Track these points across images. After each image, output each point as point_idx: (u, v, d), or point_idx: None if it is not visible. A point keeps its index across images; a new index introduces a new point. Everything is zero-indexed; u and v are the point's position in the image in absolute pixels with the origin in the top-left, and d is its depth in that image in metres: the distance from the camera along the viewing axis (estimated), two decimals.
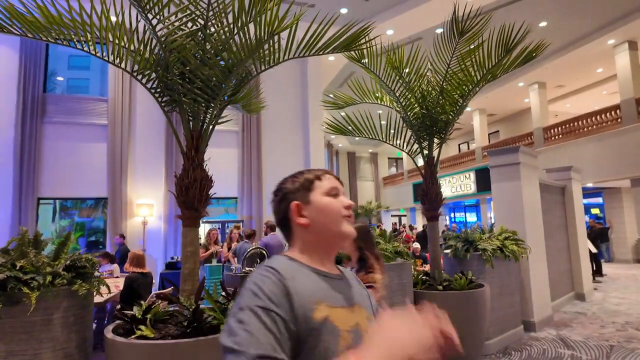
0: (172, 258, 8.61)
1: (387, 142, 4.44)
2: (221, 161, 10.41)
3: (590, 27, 11.06)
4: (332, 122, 4.34)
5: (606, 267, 12.23)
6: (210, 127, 2.90)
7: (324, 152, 11.31)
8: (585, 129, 12.76)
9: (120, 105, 9.51)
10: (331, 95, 4.51)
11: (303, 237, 0.92)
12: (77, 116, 9.58)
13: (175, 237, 9.55)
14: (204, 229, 8.91)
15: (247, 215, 10.11)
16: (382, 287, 2.29)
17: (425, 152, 4.25)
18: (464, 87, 3.88)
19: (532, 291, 5.22)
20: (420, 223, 23.31)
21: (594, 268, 10.41)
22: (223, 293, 2.66)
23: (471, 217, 20.78)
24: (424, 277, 4.01)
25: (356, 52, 3.82)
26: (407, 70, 3.93)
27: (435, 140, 4.28)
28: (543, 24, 10.65)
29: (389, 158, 27.01)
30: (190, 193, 2.67)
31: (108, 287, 2.78)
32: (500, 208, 5.59)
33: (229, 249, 6.30)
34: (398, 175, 24.70)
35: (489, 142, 18.51)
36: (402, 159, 25.16)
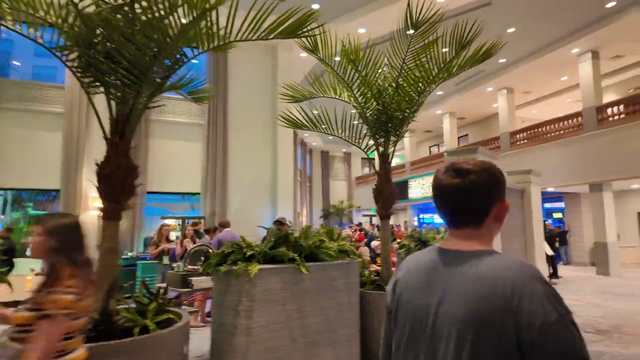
0: (127, 254, 8.24)
1: (344, 138, 4.31)
2: (185, 155, 10.07)
3: (556, 35, 11.35)
4: (287, 115, 4.18)
5: (563, 270, 12.63)
6: (139, 112, 2.67)
7: (292, 149, 11.12)
8: (548, 135, 13.11)
9: (78, 93, 9.00)
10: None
11: (493, 233, 0.99)
12: (32, 103, 9.05)
13: (132, 232, 9.15)
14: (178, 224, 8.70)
15: (210, 211, 9.81)
16: (74, 314, 1.45)
17: (381, 149, 4.15)
18: (419, 84, 3.80)
19: None
20: (390, 221, 23.47)
21: (551, 270, 10.70)
22: (167, 293, 2.45)
23: (439, 219, 21.09)
24: (374, 277, 3.91)
25: (310, 42, 3.68)
26: (363, 63, 3.81)
27: (392, 138, 4.18)
28: (512, 29, 10.83)
29: (362, 158, 27.08)
30: (112, 183, 2.44)
31: None
32: None
33: (182, 246, 6.03)
34: (371, 176, 24.79)
35: (459, 145, 18.80)
36: (374, 159, 25.29)
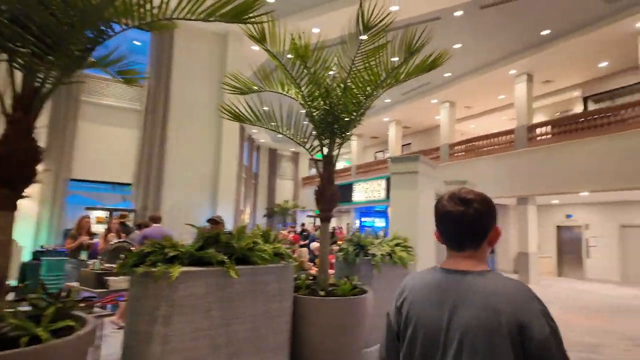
0: (42, 247, 7.43)
1: (289, 136, 4.16)
2: (119, 142, 9.33)
3: (497, 55, 12.09)
4: (229, 107, 3.94)
5: None
6: (51, 87, 2.31)
7: (238, 144, 10.74)
8: (484, 149, 13.94)
9: None
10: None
11: (486, 255, 1.12)
12: None
13: (50, 223, 8.27)
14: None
15: (142, 204, 9.16)
16: None
17: (326, 150, 4.05)
18: (367, 87, 3.76)
19: None
20: (333, 223, 23.73)
21: None
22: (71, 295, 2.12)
23: (380, 222, 21.63)
24: (309, 281, 3.81)
25: (257, 31, 3.48)
26: (312, 60, 3.68)
27: (337, 140, 4.10)
28: (458, 45, 11.34)
29: (309, 159, 27.11)
30: (8, 166, 2.07)
31: None
32: (396, 215, 5.66)
33: (105, 241, 5.50)
34: (316, 177, 24.87)
35: (402, 152, 19.45)
36: (322, 160, 25.40)
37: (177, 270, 2.46)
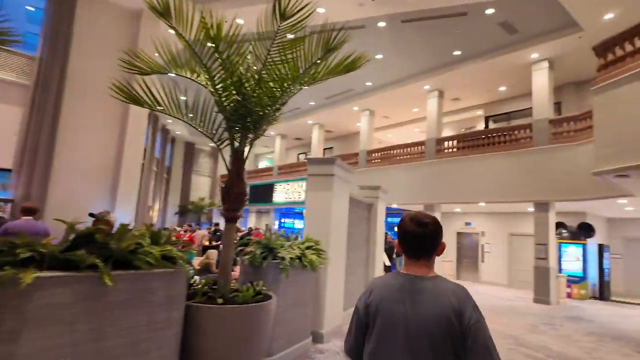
0: None
1: (193, 125, 3.77)
2: None
3: (414, 70, 12.80)
4: (123, 86, 3.44)
5: None
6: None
7: (144, 133, 9.80)
8: (398, 157, 14.67)
9: None
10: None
11: (433, 263, 1.53)
12: None
13: None
14: None
15: (23, 194, 7.85)
16: None
17: (236, 144, 3.75)
18: (283, 81, 3.55)
19: (325, 302, 5.27)
20: (252, 224, 23.14)
21: None
22: None
23: (300, 224, 21.64)
24: (208, 287, 3.46)
25: (159, 2, 3.08)
26: (225, 45, 3.37)
27: (249, 135, 3.82)
28: (379, 56, 11.76)
29: (230, 156, 26.18)
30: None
31: None
32: (310, 217, 5.55)
33: None
34: None
35: (324, 155, 19.71)
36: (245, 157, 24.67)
37: (29, 275, 1.99)
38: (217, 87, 3.59)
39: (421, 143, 13.94)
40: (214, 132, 3.84)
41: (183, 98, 3.75)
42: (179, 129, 21.66)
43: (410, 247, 1.48)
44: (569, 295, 11.65)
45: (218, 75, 3.56)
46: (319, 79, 3.74)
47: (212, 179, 24.86)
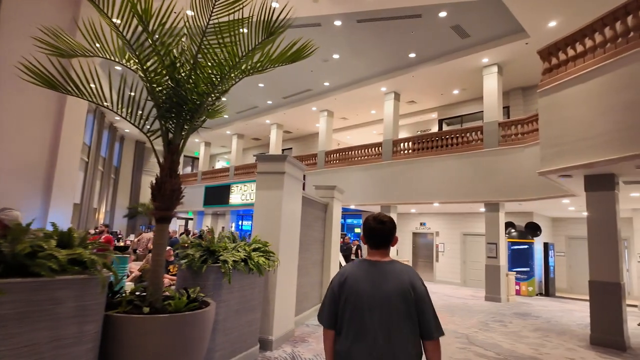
0: None
1: (118, 113, 3.36)
2: None
3: (370, 72, 12.82)
4: (33, 66, 2.99)
5: None
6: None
7: (83, 126, 9.01)
8: (355, 159, 14.66)
9: None
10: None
11: (389, 251, 1.98)
12: None
13: None
14: None
15: None
16: None
17: (170, 135, 3.39)
18: (222, 67, 3.25)
19: (275, 306, 4.99)
20: (208, 226, 22.31)
21: None
22: None
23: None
24: (136, 296, 3.08)
25: None
26: (156, 23, 3.02)
27: (185, 126, 3.47)
28: (336, 56, 11.66)
29: (185, 156, 25.14)
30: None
31: None
32: (259, 217, 5.25)
33: None
34: (191, 176, 23.17)
35: None
36: (198, 159, 23.80)
37: None
38: (148, 71, 3.22)
39: (378, 144, 14.01)
40: (144, 121, 3.45)
41: (132, 93, 3.34)
42: (128, 127, 20.50)
43: (374, 239, 1.92)
44: (518, 292, 12.09)
45: (147, 57, 3.20)
46: (263, 68, 3.46)
47: None
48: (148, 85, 3.28)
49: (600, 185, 6.39)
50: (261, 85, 14.23)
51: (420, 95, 14.08)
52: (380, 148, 13.88)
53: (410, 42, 10.80)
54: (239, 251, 4.17)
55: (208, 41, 3.15)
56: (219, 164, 26.73)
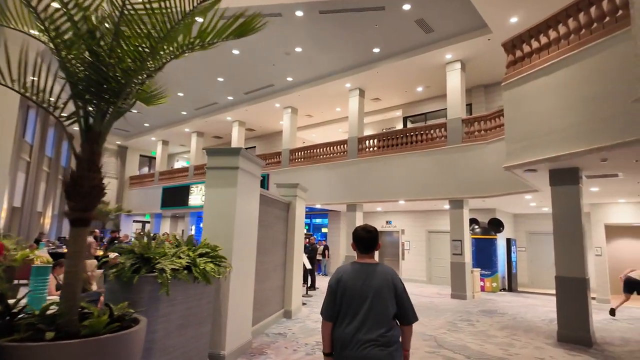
0: None
1: (20, 92, 2.74)
2: None
3: (334, 67, 12.47)
4: None
5: (323, 281, 13.73)
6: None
7: (15, 119, 8.04)
8: (321, 157, 14.27)
9: None
10: None
11: (375, 254, 2.42)
12: None
13: None
14: None
15: None
16: None
17: (91, 120, 2.81)
18: (151, 37, 2.71)
19: (228, 317, 4.46)
20: (165, 229, 21.17)
21: (309, 283, 11.29)
22: None
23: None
24: (41, 317, 2.48)
25: None
26: None
27: (109, 109, 2.89)
28: (299, 49, 11.20)
29: (141, 155, 23.84)
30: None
31: None
32: (209, 218, 4.70)
33: None
34: (148, 176, 21.95)
35: None
36: (156, 158, 22.59)
37: None
38: (58, 41, 2.63)
39: (343, 142, 13.69)
40: (53, 103, 2.84)
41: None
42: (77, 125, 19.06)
43: (362, 245, 2.34)
44: (483, 289, 12.14)
45: (55, 25, 2.61)
46: (204, 43, 2.95)
47: (119, 181, 22.36)
48: (59, 58, 2.68)
49: (565, 179, 6.33)
50: (220, 79, 13.52)
51: (385, 92, 13.90)
52: (345, 146, 13.57)
53: (374, 37, 10.53)
54: (180, 257, 3.62)
55: (132, 5, 2.61)
56: (178, 164, 25.55)
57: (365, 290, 2.19)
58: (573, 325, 5.95)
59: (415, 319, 2.27)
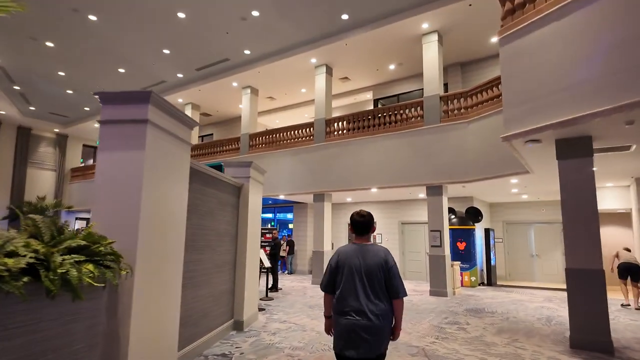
0: None
1: None
2: None
3: (298, 38, 11.00)
4: None
5: (285, 280, 12.31)
6: None
7: None
8: (284, 142, 12.81)
9: None
10: None
11: (370, 237, 2.73)
12: None
13: None
14: None
15: None
16: None
17: None
18: None
19: (129, 345, 2.95)
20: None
21: (271, 284, 9.84)
22: None
23: None
24: None
25: None
26: None
27: None
28: (255, 12, 9.64)
29: (85, 145, 21.35)
30: None
31: None
32: (102, 195, 3.14)
33: None
34: (92, 168, 19.58)
35: (202, 142, 16.82)
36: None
37: None
38: None
39: (310, 124, 12.29)
40: None
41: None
42: (6, 109, 16.56)
43: (358, 229, 2.67)
44: (462, 284, 11.15)
45: None
46: None
47: (57, 174, 19.85)
48: None
49: (575, 151, 5.22)
50: (166, 51, 11.67)
51: (355, 71, 12.60)
52: (311, 129, 12.17)
53: (342, 0, 9.16)
54: (16, 253, 2.08)
55: None
56: None
57: (362, 267, 2.50)
58: (589, 328, 4.86)
59: (404, 294, 2.50)
